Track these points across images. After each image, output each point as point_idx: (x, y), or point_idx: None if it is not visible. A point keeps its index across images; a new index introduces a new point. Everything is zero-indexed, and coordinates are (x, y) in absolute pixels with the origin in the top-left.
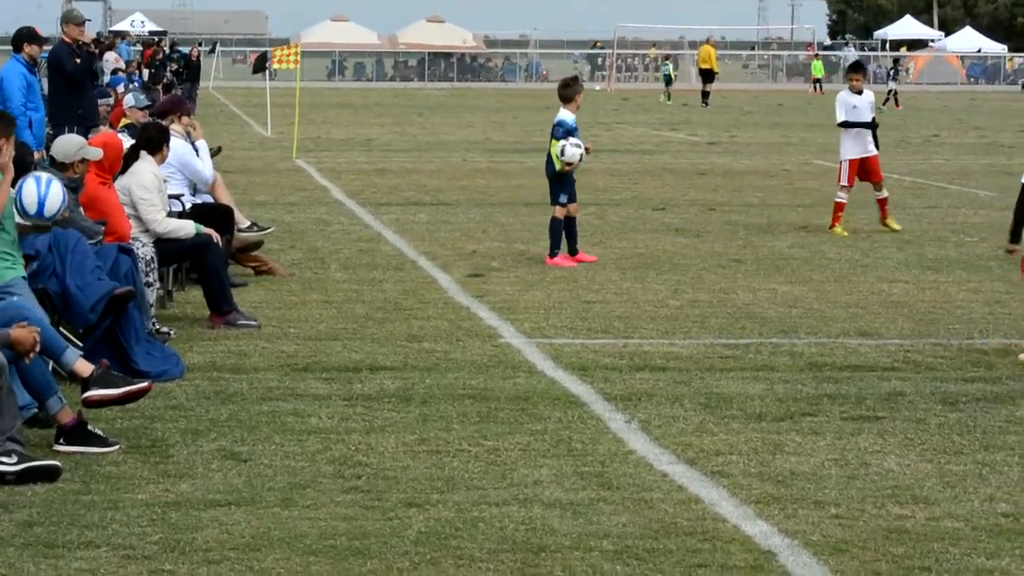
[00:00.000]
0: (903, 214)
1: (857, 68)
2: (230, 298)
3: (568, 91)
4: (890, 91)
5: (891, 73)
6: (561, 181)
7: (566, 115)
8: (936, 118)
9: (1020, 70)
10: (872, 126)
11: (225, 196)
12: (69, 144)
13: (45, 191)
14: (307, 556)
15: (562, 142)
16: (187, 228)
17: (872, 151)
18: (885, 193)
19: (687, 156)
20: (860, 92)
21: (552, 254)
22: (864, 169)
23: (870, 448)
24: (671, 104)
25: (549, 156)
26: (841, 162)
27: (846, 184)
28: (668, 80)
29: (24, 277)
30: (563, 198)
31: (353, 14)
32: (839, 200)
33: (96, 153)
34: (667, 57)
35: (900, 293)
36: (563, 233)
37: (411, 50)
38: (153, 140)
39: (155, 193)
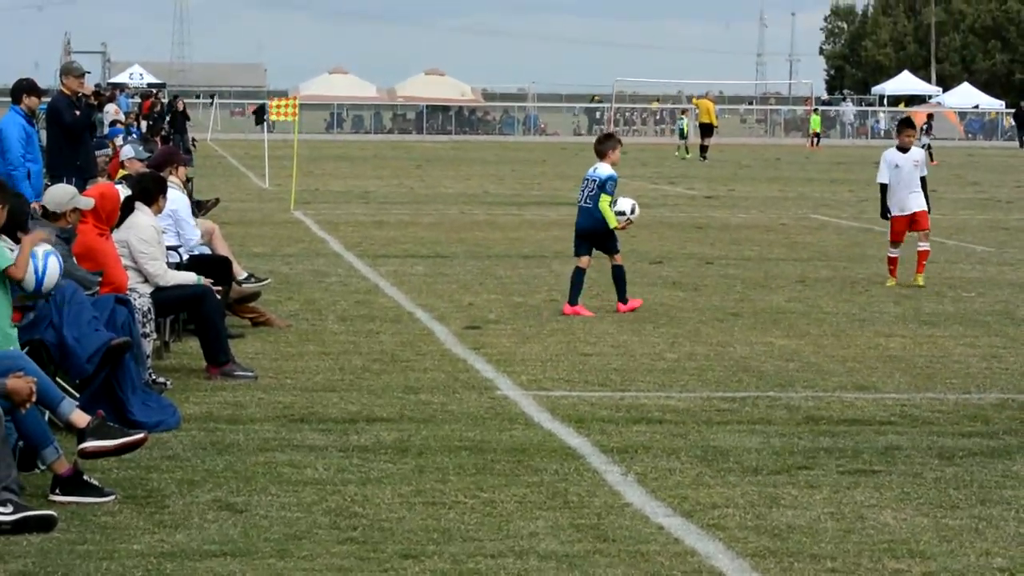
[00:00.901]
0: (901, 269)
1: (908, 124)
2: (227, 349)
3: (602, 146)
4: (924, 146)
5: (924, 128)
6: (610, 233)
7: (608, 169)
8: (934, 173)
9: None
10: (916, 185)
11: (223, 247)
12: (61, 194)
13: (43, 267)
14: None
15: (622, 202)
16: (190, 279)
17: (915, 208)
18: (922, 245)
19: (685, 210)
20: (906, 150)
21: (623, 300)
22: (913, 220)
23: (866, 502)
24: (688, 157)
25: (596, 210)
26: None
27: (892, 240)
28: (683, 134)
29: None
30: (619, 244)
31: (352, 67)
32: (889, 255)
33: (88, 203)
34: (684, 112)
35: (897, 347)
36: (576, 282)
37: (410, 103)
38: (149, 191)
39: (155, 246)
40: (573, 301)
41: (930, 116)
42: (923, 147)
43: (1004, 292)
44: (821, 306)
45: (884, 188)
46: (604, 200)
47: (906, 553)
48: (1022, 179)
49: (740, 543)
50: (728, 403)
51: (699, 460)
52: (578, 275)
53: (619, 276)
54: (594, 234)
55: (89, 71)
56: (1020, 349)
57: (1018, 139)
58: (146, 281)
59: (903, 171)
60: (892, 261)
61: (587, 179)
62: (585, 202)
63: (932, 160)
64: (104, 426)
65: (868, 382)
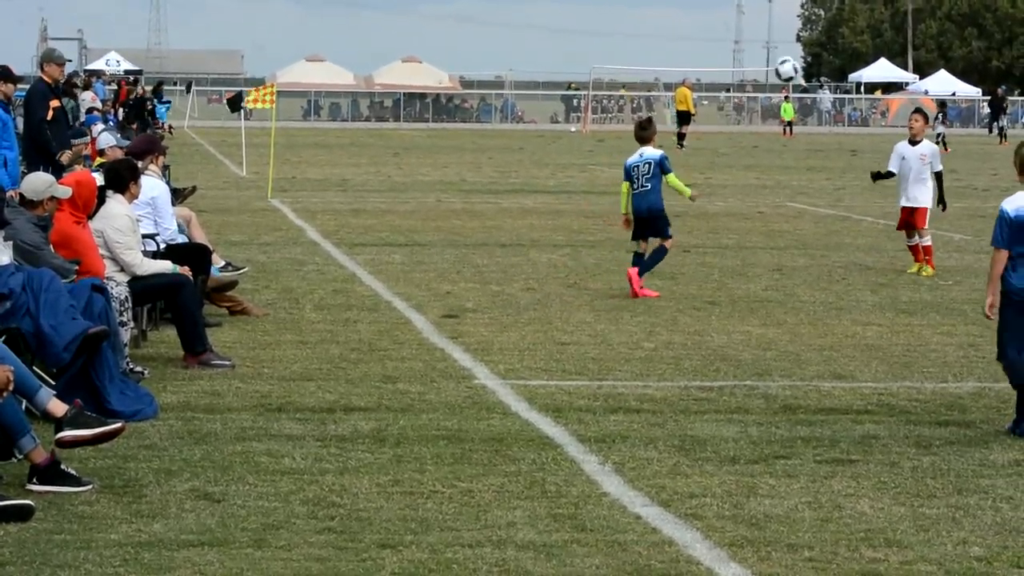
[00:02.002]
0: (878, 257)
1: (916, 111)
2: (204, 338)
3: (646, 132)
4: (939, 136)
5: (939, 117)
6: (665, 216)
7: (656, 150)
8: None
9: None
10: (886, 175)
11: (200, 235)
12: (38, 182)
13: None
14: None
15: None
16: (166, 268)
17: (917, 203)
18: (921, 241)
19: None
20: (915, 143)
21: (642, 274)
22: (912, 215)
23: (844, 491)
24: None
25: (652, 193)
26: None
27: (898, 228)
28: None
29: None
30: (670, 229)
31: (329, 54)
32: (907, 244)
33: (65, 191)
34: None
35: (874, 336)
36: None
37: (387, 90)
38: (122, 177)
39: (130, 235)
40: (642, 272)
41: (943, 104)
42: (938, 137)
43: (981, 280)
44: (798, 294)
45: (890, 174)
46: (672, 178)
47: (883, 542)
48: (999, 167)
49: (717, 532)
50: (705, 392)
51: (676, 449)
52: (638, 259)
53: (659, 256)
54: (651, 217)
55: (70, 59)
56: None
57: (988, 126)
58: (123, 270)
59: (909, 163)
60: (910, 249)
61: (636, 164)
62: (641, 187)
63: (945, 148)
64: (81, 415)
65: (845, 371)
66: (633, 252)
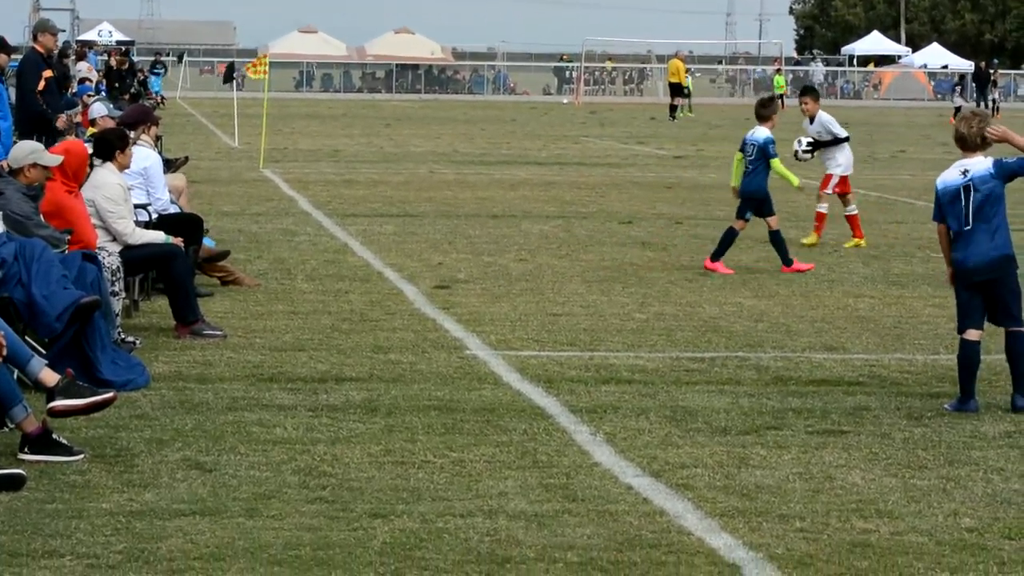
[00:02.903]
0: (869, 229)
1: (804, 93)
2: (196, 308)
3: (766, 111)
4: (957, 108)
5: (955, 90)
6: (767, 197)
7: (765, 132)
8: (903, 134)
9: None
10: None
11: (187, 206)
12: (19, 149)
13: None
14: (272, 566)
15: (802, 150)
16: (158, 238)
17: (846, 170)
18: (848, 210)
19: (654, 170)
20: (813, 120)
21: (788, 262)
22: (843, 182)
23: (835, 462)
24: (691, 115)
25: (756, 175)
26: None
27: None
28: (688, 93)
29: None
30: (749, 213)
31: (321, 25)
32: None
33: (53, 159)
34: (688, 70)
35: (866, 308)
36: (726, 240)
37: (379, 62)
38: (110, 145)
39: (122, 204)
40: (716, 257)
41: (989, 70)
42: (993, 102)
43: None
44: None
45: (813, 143)
46: (776, 163)
47: (874, 513)
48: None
49: (709, 503)
50: (697, 363)
51: (668, 420)
52: (730, 234)
53: (777, 240)
54: (754, 198)
55: (63, 29)
56: None
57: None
58: (115, 240)
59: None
60: (848, 220)
61: (746, 143)
62: (748, 167)
63: (997, 114)
64: (73, 385)
65: (837, 342)
66: (729, 227)
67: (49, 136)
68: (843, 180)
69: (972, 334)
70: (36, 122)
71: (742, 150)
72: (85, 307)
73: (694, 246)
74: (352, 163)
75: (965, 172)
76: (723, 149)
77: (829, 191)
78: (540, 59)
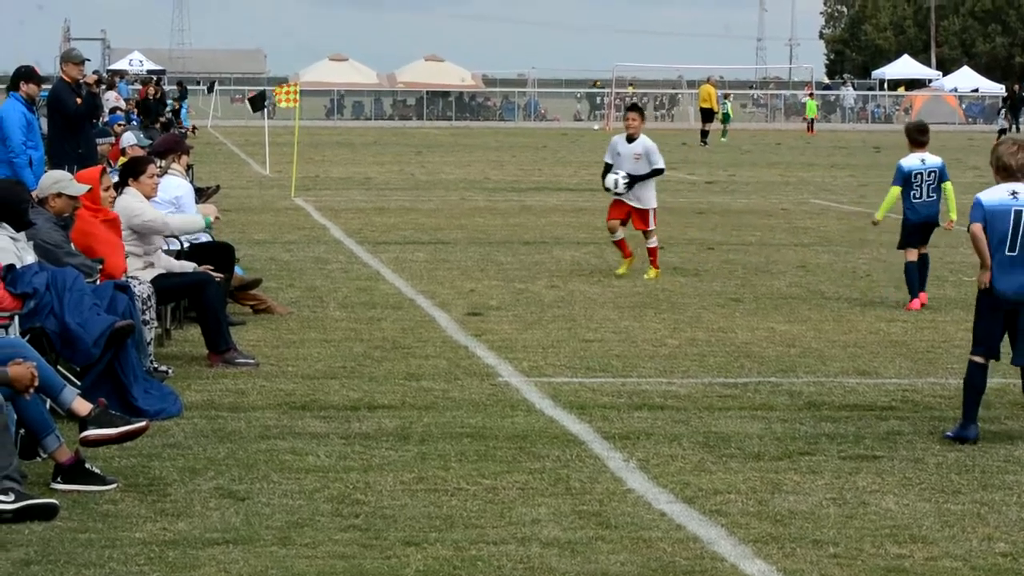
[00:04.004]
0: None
1: (630, 110)
2: (228, 337)
3: (926, 136)
4: (1000, 130)
5: (1001, 112)
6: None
7: (937, 158)
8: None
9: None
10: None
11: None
12: (45, 179)
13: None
14: None
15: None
16: (197, 222)
17: (640, 203)
18: (648, 243)
19: (685, 195)
20: (631, 139)
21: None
22: (637, 216)
23: (868, 487)
24: (725, 140)
25: (939, 203)
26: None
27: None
28: (727, 118)
29: None
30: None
31: (352, 53)
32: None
33: (79, 188)
34: (727, 96)
35: (898, 332)
36: (915, 275)
37: (410, 89)
38: (130, 170)
39: (146, 208)
40: (915, 293)
41: (1022, 93)
42: (999, 133)
43: None
44: (822, 291)
45: (608, 167)
46: (948, 186)
47: (908, 538)
48: None
49: (742, 529)
50: (730, 389)
51: (701, 446)
52: (913, 267)
53: (927, 264)
54: (931, 224)
55: (89, 58)
56: None
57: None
58: (146, 268)
59: (623, 160)
60: (617, 245)
61: (919, 171)
62: (927, 196)
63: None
64: (106, 414)
65: (870, 367)
66: (908, 262)
67: (81, 167)
68: (646, 214)
69: (982, 359)
70: (66, 152)
71: (905, 182)
72: (120, 331)
73: (726, 271)
74: (383, 191)
75: (1015, 194)
76: (755, 174)
77: (654, 226)
78: (571, 85)
